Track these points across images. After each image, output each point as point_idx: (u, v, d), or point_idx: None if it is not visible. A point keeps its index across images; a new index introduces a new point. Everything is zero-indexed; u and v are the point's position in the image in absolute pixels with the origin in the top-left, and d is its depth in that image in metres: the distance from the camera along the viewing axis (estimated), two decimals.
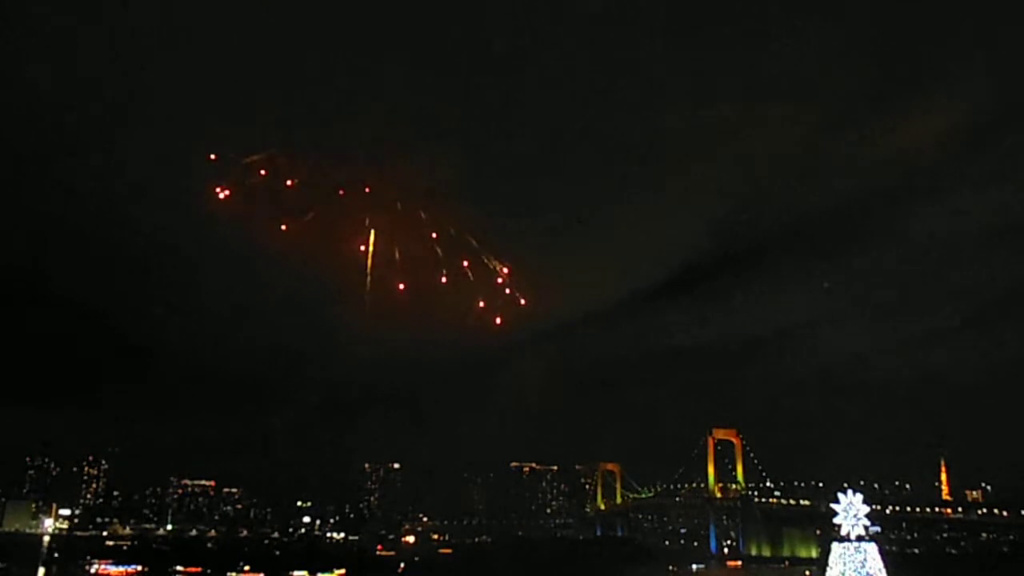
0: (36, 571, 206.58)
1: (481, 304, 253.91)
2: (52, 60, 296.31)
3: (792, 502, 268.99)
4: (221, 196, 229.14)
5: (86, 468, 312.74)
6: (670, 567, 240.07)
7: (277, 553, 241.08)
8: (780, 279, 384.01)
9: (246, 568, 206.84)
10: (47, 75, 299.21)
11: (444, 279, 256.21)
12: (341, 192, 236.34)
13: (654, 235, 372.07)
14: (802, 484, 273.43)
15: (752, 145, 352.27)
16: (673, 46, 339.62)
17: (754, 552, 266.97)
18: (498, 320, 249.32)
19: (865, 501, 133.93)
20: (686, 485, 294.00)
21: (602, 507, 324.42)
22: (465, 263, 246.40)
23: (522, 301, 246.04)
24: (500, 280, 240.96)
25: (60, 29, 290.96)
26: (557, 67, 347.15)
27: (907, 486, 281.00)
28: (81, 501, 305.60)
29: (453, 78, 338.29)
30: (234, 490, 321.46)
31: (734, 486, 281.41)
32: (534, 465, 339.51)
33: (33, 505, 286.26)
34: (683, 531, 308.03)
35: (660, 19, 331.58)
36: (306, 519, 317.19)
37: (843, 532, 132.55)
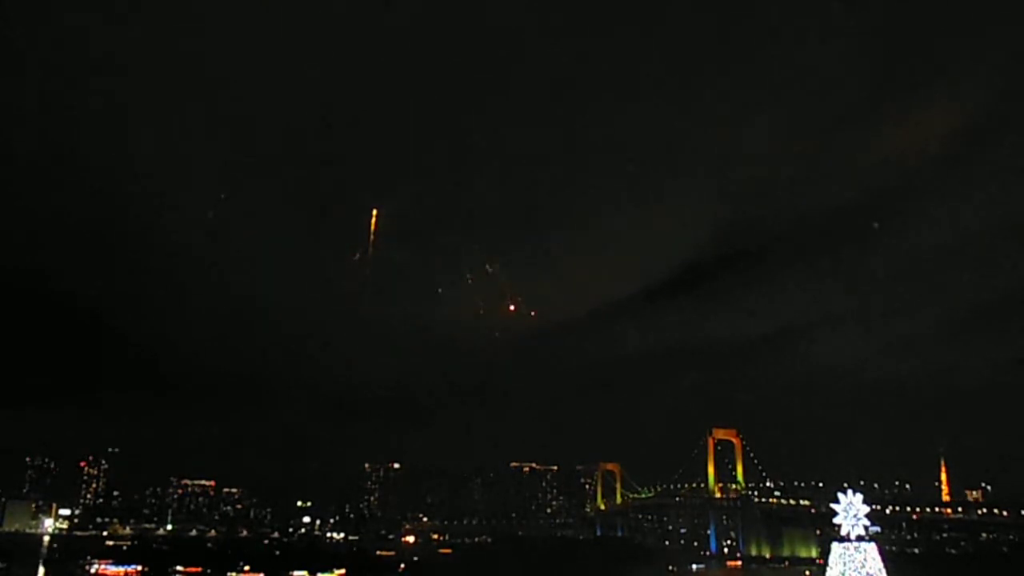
0: (36, 571, 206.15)
1: (481, 311, 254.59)
2: (52, 59, 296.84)
3: (792, 502, 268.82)
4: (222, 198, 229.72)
5: (86, 468, 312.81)
6: (670, 567, 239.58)
7: (277, 553, 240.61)
8: (781, 279, 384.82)
9: (246, 568, 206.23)
10: (49, 75, 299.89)
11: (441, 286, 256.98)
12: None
13: (655, 236, 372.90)
14: (802, 484, 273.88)
15: (753, 145, 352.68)
16: (675, 47, 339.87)
17: (754, 552, 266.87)
18: (497, 333, 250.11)
19: (865, 501, 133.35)
20: (686, 485, 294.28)
21: (602, 507, 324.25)
22: (465, 265, 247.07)
23: (532, 313, 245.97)
24: (491, 269, 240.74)
25: (63, 29, 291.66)
26: (557, 69, 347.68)
27: (907, 486, 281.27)
28: (81, 501, 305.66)
29: (452, 77, 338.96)
30: (234, 490, 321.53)
31: (734, 486, 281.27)
32: (534, 465, 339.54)
33: (33, 505, 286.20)
34: (683, 531, 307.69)
35: (661, 20, 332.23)
36: (306, 519, 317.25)
37: (843, 532, 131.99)
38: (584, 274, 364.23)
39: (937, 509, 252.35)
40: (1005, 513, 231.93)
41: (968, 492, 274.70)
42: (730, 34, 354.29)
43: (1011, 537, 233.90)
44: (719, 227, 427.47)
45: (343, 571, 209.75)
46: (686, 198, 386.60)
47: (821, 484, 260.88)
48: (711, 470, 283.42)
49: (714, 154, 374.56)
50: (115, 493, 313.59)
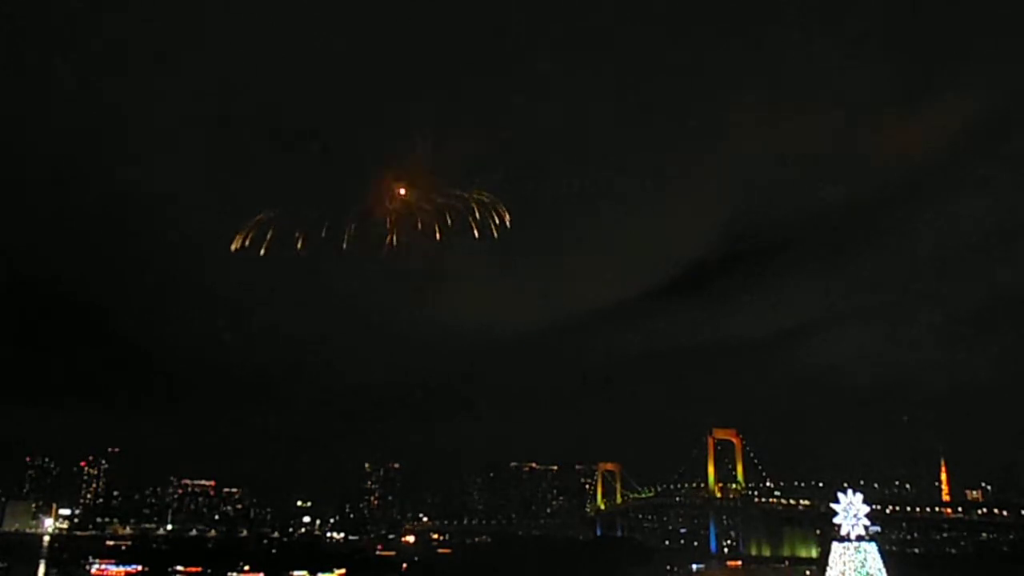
0: (36, 571, 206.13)
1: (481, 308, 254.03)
2: (58, 59, 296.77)
3: (792, 502, 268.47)
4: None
5: (86, 468, 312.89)
6: (670, 567, 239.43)
7: (276, 553, 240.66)
8: (784, 280, 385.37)
9: (246, 568, 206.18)
10: (57, 78, 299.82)
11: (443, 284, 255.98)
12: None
13: (659, 236, 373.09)
14: (802, 484, 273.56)
15: (757, 147, 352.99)
16: (680, 49, 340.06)
17: (754, 552, 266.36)
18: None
19: (865, 501, 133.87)
20: (686, 485, 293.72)
21: (602, 507, 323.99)
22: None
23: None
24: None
25: (61, 27, 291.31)
26: (563, 71, 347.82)
27: (907, 486, 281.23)
28: (81, 501, 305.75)
29: (457, 78, 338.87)
30: (234, 490, 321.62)
31: (734, 486, 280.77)
32: (534, 465, 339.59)
33: (33, 505, 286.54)
34: (683, 531, 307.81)
35: (665, 21, 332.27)
36: (306, 519, 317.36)
37: (843, 532, 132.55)
38: (588, 274, 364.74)
39: (937, 509, 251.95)
40: (1005, 513, 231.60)
41: (968, 492, 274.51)
42: (737, 37, 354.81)
43: (1011, 537, 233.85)
44: (724, 228, 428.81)
45: (343, 571, 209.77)
46: (691, 199, 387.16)
47: (821, 484, 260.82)
48: (711, 470, 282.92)
49: (720, 155, 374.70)
50: (115, 493, 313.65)
